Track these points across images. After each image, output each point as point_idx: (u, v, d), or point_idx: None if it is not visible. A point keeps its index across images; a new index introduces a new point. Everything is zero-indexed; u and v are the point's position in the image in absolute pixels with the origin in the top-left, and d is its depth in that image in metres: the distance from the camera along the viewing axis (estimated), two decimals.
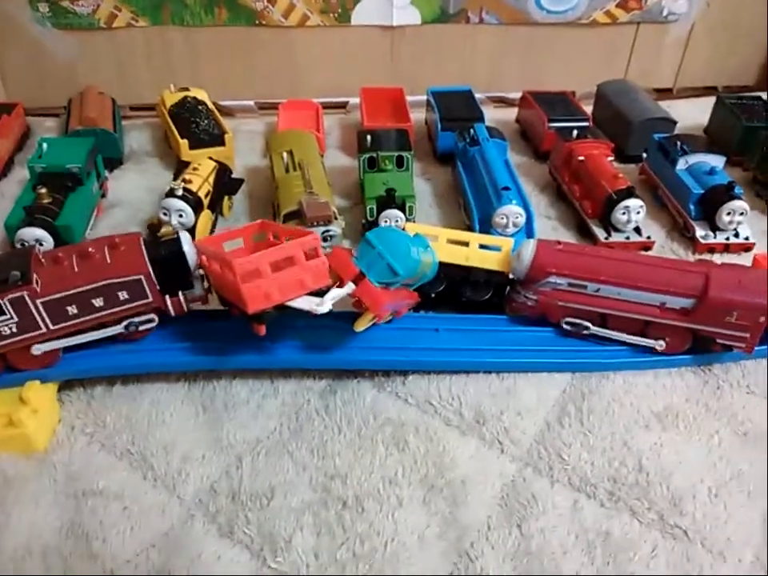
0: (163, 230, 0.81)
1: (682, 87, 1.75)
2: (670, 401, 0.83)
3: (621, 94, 1.42)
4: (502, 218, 1.03)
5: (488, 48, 1.58)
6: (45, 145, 1.13)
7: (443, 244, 0.91)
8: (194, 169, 1.12)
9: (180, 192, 1.05)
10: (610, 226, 1.09)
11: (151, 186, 1.27)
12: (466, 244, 0.92)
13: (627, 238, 1.09)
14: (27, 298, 0.73)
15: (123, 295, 0.77)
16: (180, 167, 1.16)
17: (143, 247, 0.79)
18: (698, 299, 0.81)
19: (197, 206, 1.06)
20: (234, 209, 1.21)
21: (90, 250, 0.77)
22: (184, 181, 1.07)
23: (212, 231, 1.13)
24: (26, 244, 0.99)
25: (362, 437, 0.79)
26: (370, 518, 0.70)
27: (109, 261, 0.77)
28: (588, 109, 1.45)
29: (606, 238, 1.09)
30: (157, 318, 0.81)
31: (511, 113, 1.57)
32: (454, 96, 1.42)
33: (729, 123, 1.37)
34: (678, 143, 1.19)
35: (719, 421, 0.81)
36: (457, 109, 1.36)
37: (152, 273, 0.77)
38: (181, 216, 1.04)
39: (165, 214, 1.05)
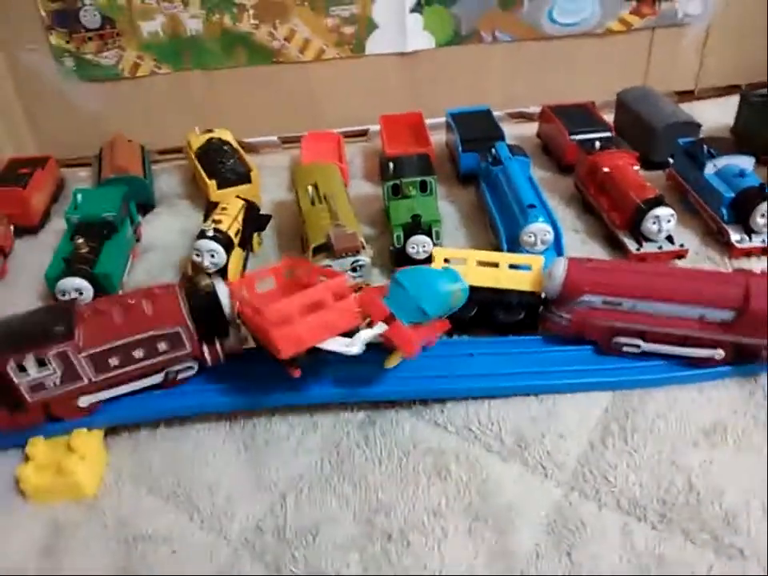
0: (202, 281, 0.83)
1: (704, 88, 1.72)
2: (717, 415, 0.81)
3: (641, 100, 1.41)
4: (530, 237, 1.03)
5: (503, 66, 1.59)
6: (79, 196, 1.17)
7: (472, 267, 0.91)
8: (223, 209, 1.14)
9: (211, 233, 1.07)
10: (640, 237, 1.07)
11: (183, 228, 1.30)
12: (496, 265, 0.92)
13: (660, 247, 1.07)
14: (70, 353, 0.76)
15: (163, 346, 0.79)
16: (209, 208, 1.18)
17: (181, 299, 0.81)
18: (739, 311, 0.79)
19: (228, 245, 1.08)
20: (263, 244, 1.23)
21: (130, 302, 0.79)
22: (214, 221, 1.10)
23: (243, 268, 1.15)
24: (67, 294, 1.02)
25: (403, 467, 0.79)
26: (416, 551, 0.69)
27: (148, 313, 0.79)
28: (608, 118, 1.44)
29: (638, 249, 1.07)
30: (196, 366, 0.83)
31: (531, 127, 1.57)
32: (472, 116, 1.43)
33: (756, 122, 1.34)
34: (705, 147, 1.18)
35: None
36: (477, 129, 1.37)
37: (190, 324, 0.79)
38: (213, 256, 1.06)
39: (197, 255, 1.07)
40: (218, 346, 0.83)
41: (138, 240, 1.25)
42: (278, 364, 0.82)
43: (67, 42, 1.43)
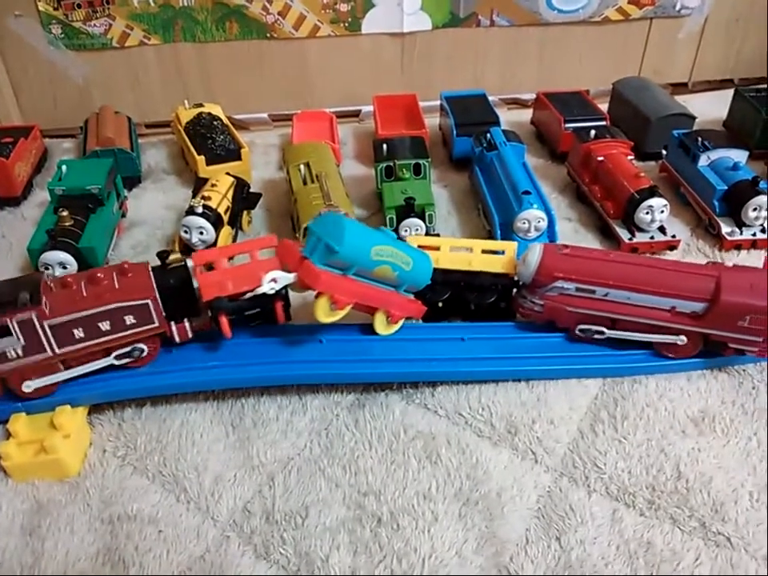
0: (172, 257, 0.82)
1: (698, 81, 1.72)
2: (705, 404, 0.82)
3: (637, 91, 1.41)
4: (524, 223, 1.02)
5: (500, 50, 1.57)
6: (64, 167, 1.14)
7: (446, 252, 0.91)
8: (213, 185, 1.12)
9: (200, 209, 1.05)
10: (633, 227, 1.07)
11: (170, 204, 1.27)
12: (470, 250, 0.92)
13: (652, 237, 1.07)
14: (35, 320, 0.73)
15: (130, 319, 0.77)
16: (198, 184, 1.16)
17: (151, 273, 0.80)
18: (710, 303, 0.79)
19: (217, 223, 1.06)
20: (252, 223, 1.21)
21: (98, 275, 0.77)
22: (203, 198, 1.08)
23: None
24: (51, 268, 1.00)
25: (394, 451, 0.78)
26: (406, 534, 0.69)
27: (117, 285, 0.77)
28: (602, 107, 1.44)
29: (630, 239, 1.07)
30: (146, 349, 0.81)
31: (525, 114, 1.56)
32: (468, 100, 1.41)
33: (749, 116, 1.35)
34: (699, 139, 1.18)
35: (757, 422, 0.79)
36: (472, 113, 1.36)
37: (158, 298, 0.78)
38: (202, 233, 1.04)
39: (186, 232, 1.05)
40: (186, 323, 0.81)
41: (123, 215, 1.22)
42: (267, 342, 0.85)
43: (55, 9, 1.39)
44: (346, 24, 1.48)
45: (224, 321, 0.81)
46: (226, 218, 1.10)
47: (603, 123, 1.31)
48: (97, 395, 0.81)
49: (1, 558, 0.68)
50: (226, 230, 1.10)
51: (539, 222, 1.02)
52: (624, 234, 1.08)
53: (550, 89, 1.47)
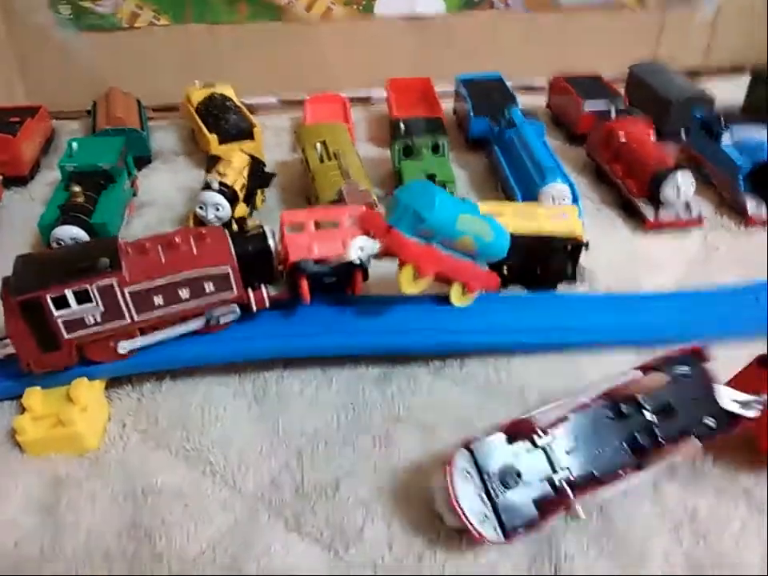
0: (250, 223, 0.80)
1: (711, 67, 1.71)
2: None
3: (655, 74, 1.39)
4: (548, 197, 1.00)
5: (514, 35, 1.56)
6: (75, 144, 1.11)
7: (511, 218, 0.88)
8: (228, 162, 1.09)
9: (216, 186, 1.02)
10: (658, 204, 1.05)
11: (181, 184, 1.25)
12: (533, 216, 0.90)
13: (677, 215, 1.06)
14: (116, 286, 0.71)
15: (209, 287, 0.75)
16: (211, 162, 1.13)
17: (229, 240, 0.77)
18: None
19: (233, 200, 1.04)
20: (266, 202, 1.19)
21: (176, 240, 0.74)
22: (219, 174, 1.05)
23: None
24: (62, 243, 0.97)
25: (423, 424, 0.76)
26: None
27: (195, 252, 0.75)
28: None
29: (655, 216, 1.05)
30: (239, 311, 0.79)
31: (538, 99, 1.55)
32: (483, 83, 1.39)
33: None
34: (721, 118, 1.16)
35: None
36: (488, 94, 1.34)
37: (237, 266, 0.75)
38: (218, 210, 1.02)
39: (201, 208, 1.02)
40: (263, 290, 0.79)
41: (135, 194, 1.20)
42: (293, 314, 0.82)
43: None
44: (359, 7, 1.46)
45: (305, 285, 0.78)
46: (241, 196, 1.07)
47: (622, 104, 1.29)
48: (114, 368, 0.78)
49: (18, 536, 0.65)
50: (242, 208, 1.07)
51: (563, 195, 1.00)
52: (649, 212, 1.06)
53: (563, 74, 1.45)
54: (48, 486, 0.70)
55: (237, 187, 1.06)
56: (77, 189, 1.01)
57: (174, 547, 0.63)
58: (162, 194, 1.23)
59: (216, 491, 0.69)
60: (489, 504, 0.59)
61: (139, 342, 0.76)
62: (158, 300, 0.74)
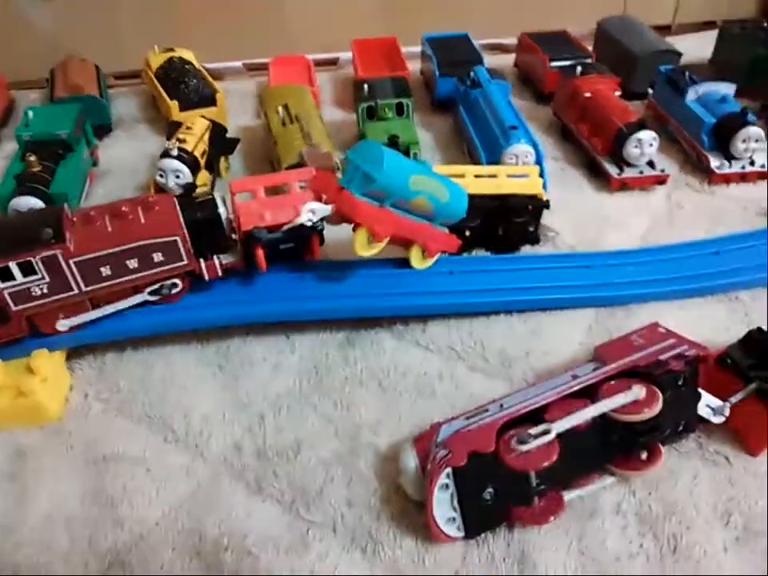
0: (199, 189, 0.78)
1: (681, 23, 1.70)
2: (699, 331, 0.80)
3: (623, 29, 1.38)
4: (512, 158, 1.00)
5: None
6: (31, 113, 1.09)
7: (471, 179, 0.88)
8: (188, 128, 1.07)
9: (175, 152, 1.00)
10: (622, 162, 1.05)
11: (142, 152, 1.22)
12: (494, 176, 0.89)
13: (641, 172, 1.06)
14: (60, 257, 0.69)
15: (158, 257, 0.74)
16: (172, 128, 1.11)
17: (178, 207, 0.75)
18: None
19: (194, 167, 1.02)
20: (231, 169, 1.17)
21: (123, 209, 0.73)
22: (178, 140, 1.03)
23: None
24: None
25: (386, 387, 0.76)
26: None
27: (143, 221, 0.73)
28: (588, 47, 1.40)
29: (619, 174, 1.05)
30: (181, 283, 0.78)
31: (508, 59, 1.53)
32: (450, 42, 1.37)
33: (737, 53, 1.32)
34: (686, 74, 1.16)
35: None
36: (454, 53, 1.32)
37: (187, 235, 0.74)
38: (178, 177, 1.00)
39: (161, 176, 1.00)
40: (216, 260, 0.78)
41: (95, 164, 1.17)
42: (254, 280, 0.81)
43: None
44: None
45: (260, 253, 0.77)
46: (202, 162, 1.06)
47: (589, 61, 1.27)
48: (74, 338, 0.77)
49: None
50: (204, 175, 1.05)
51: (527, 156, 1.00)
52: (612, 170, 1.06)
53: (532, 31, 1.43)
54: (11, 456, 0.70)
55: (197, 153, 1.04)
56: (32, 158, 0.99)
57: (136, 512, 0.64)
58: (124, 162, 1.20)
59: (178, 457, 0.69)
60: (458, 508, 0.59)
61: (77, 319, 0.75)
62: (106, 271, 0.72)
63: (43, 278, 0.70)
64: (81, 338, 0.78)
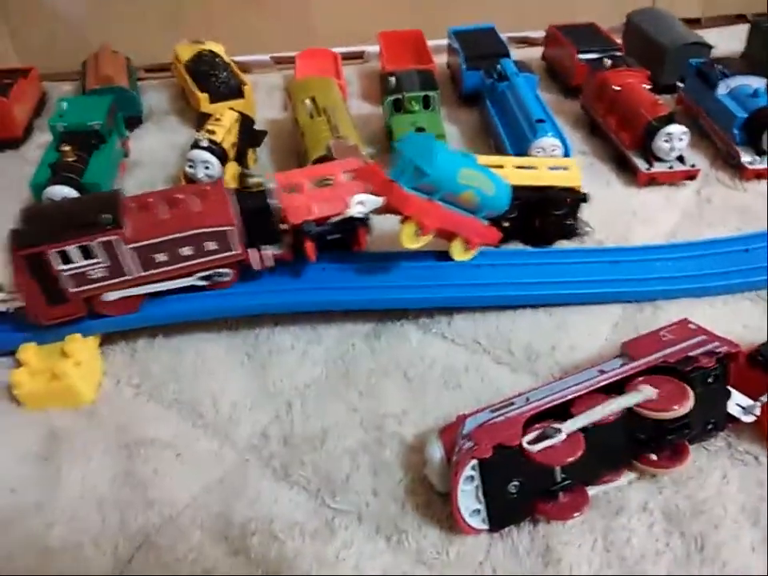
0: (252, 180, 0.79)
1: (710, 17, 1.67)
2: (729, 329, 0.79)
3: (652, 22, 1.36)
4: (539, 152, 1.00)
5: None
6: (64, 104, 1.11)
7: (511, 170, 0.88)
8: (217, 120, 1.08)
9: (205, 143, 1.02)
10: (651, 156, 1.04)
11: (173, 144, 1.24)
12: (533, 168, 0.90)
13: (670, 167, 1.04)
14: (119, 242, 0.72)
15: (211, 245, 0.76)
16: (201, 120, 1.12)
17: (232, 198, 0.77)
18: None
19: (223, 157, 1.03)
20: (258, 161, 1.18)
21: (178, 196, 0.75)
22: (208, 132, 1.04)
23: None
24: None
25: (411, 379, 0.77)
26: None
27: (198, 210, 0.75)
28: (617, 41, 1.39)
29: (648, 169, 1.04)
30: (233, 273, 0.80)
31: (535, 52, 1.52)
32: (476, 34, 1.36)
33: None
34: (718, 67, 1.14)
35: None
36: (481, 46, 1.31)
37: (239, 226, 0.76)
38: (207, 168, 1.02)
39: (190, 167, 1.02)
40: (265, 250, 0.79)
41: (126, 155, 1.19)
42: (282, 270, 0.82)
43: None
44: None
45: (309, 245, 0.78)
46: (231, 154, 1.07)
47: (618, 53, 1.26)
48: (108, 324, 0.79)
49: (16, 483, 0.67)
50: (232, 167, 1.07)
51: (554, 150, 0.99)
52: (641, 164, 1.05)
53: (560, 24, 1.42)
54: (44, 437, 0.72)
55: (226, 145, 1.06)
56: (67, 148, 1.01)
57: (166, 495, 0.65)
58: (154, 153, 1.22)
59: (207, 442, 0.71)
60: (483, 501, 0.59)
61: (131, 291, 0.77)
62: (160, 257, 0.75)
63: (101, 262, 0.72)
64: (112, 325, 0.79)
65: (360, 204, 0.75)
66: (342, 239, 0.82)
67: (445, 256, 0.84)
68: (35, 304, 0.74)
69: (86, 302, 0.76)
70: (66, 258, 0.71)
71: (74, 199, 0.80)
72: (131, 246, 0.73)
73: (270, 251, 0.79)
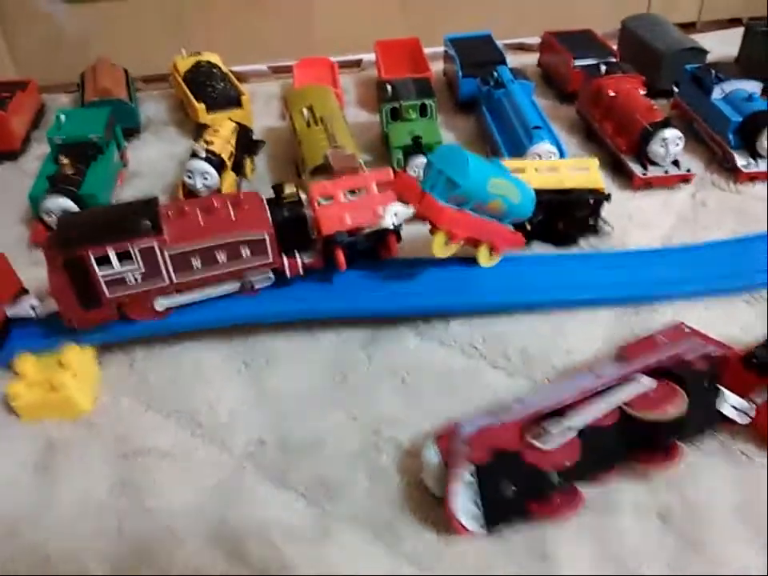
0: (287, 191, 0.80)
1: (705, 21, 1.68)
2: (725, 331, 0.79)
3: (647, 27, 1.37)
4: (535, 158, 1.00)
5: None
6: (63, 116, 1.12)
7: (533, 173, 0.89)
8: (215, 130, 1.09)
9: (203, 154, 1.02)
10: (646, 161, 1.05)
11: (171, 154, 1.25)
12: (554, 171, 0.91)
13: (666, 172, 1.05)
14: (157, 248, 0.73)
15: (246, 252, 0.77)
16: (199, 130, 1.13)
17: (266, 206, 0.78)
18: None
19: (221, 168, 1.04)
20: (256, 171, 1.19)
21: (214, 204, 0.76)
22: (206, 142, 1.05)
23: None
24: (52, 215, 0.98)
25: (408, 384, 0.77)
26: None
27: (234, 217, 0.76)
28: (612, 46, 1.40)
29: (644, 174, 1.05)
30: (273, 277, 0.81)
31: (531, 58, 1.53)
32: (472, 42, 1.37)
33: (763, 51, 1.31)
34: (712, 72, 1.15)
35: None
36: (477, 54, 1.32)
37: (274, 233, 0.77)
38: (206, 178, 1.02)
39: (189, 177, 1.02)
40: (297, 258, 0.81)
41: (124, 165, 1.20)
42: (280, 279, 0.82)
43: None
44: None
45: (340, 255, 0.80)
46: (229, 164, 1.08)
47: (613, 60, 1.27)
48: (105, 335, 0.79)
49: (14, 493, 0.68)
50: (230, 177, 1.07)
51: (551, 156, 1.00)
52: (637, 169, 1.06)
53: (555, 31, 1.43)
54: (42, 448, 0.72)
55: (224, 155, 1.06)
56: (65, 161, 1.02)
57: (163, 503, 0.65)
58: (153, 163, 1.23)
59: (205, 450, 0.71)
60: (479, 504, 0.60)
61: (178, 299, 0.78)
62: (196, 263, 0.76)
63: (138, 267, 0.73)
64: (109, 336, 0.80)
65: (394, 214, 0.77)
66: (372, 247, 0.84)
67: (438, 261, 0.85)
68: (71, 309, 0.76)
69: (119, 306, 0.77)
70: (104, 263, 0.72)
71: (110, 206, 0.83)
72: (169, 251, 0.74)
73: (302, 259, 0.81)
